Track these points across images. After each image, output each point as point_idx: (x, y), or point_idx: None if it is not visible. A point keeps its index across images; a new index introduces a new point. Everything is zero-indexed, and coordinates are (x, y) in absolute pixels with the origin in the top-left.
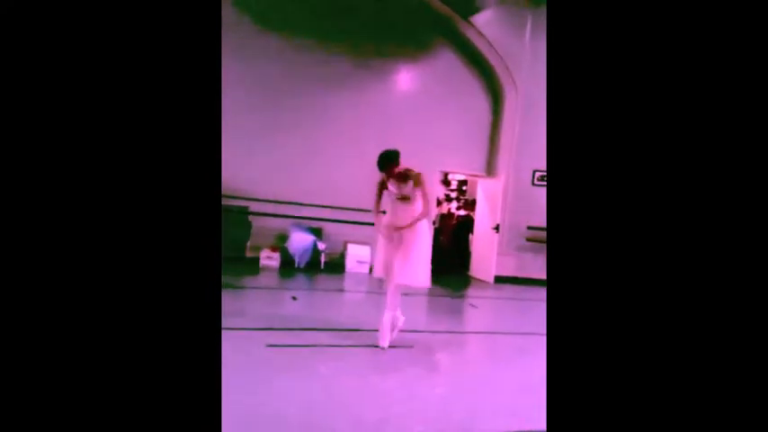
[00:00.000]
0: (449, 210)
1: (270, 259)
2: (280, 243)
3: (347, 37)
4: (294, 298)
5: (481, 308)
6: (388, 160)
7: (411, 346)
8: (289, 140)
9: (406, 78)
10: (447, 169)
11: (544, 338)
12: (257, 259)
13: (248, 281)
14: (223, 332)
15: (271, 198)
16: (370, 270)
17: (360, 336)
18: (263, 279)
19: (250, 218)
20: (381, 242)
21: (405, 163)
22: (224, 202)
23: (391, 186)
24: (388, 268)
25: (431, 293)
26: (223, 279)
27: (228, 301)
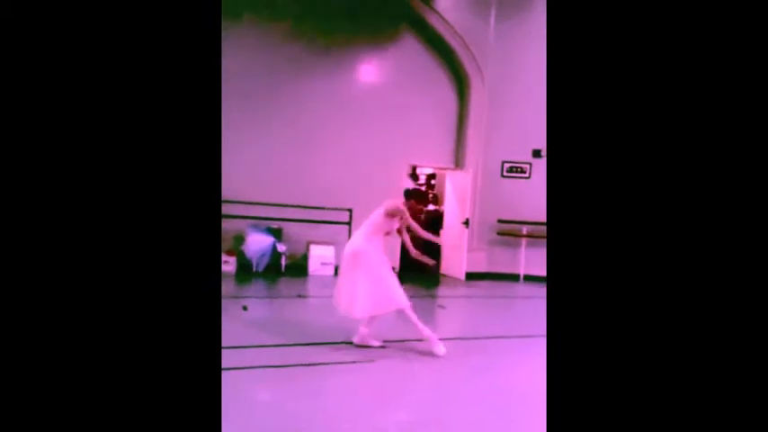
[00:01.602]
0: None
1: (226, 264)
2: (236, 246)
3: (303, 25)
4: (245, 308)
5: (450, 308)
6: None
7: (372, 360)
8: (243, 136)
9: (369, 68)
10: (415, 162)
11: (513, 341)
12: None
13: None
14: None
15: (225, 197)
16: (336, 272)
17: (308, 352)
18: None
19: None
20: (353, 275)
21: (373, 158)
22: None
23: (387, 223)
24: (382, 300)
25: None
26: None
27: None
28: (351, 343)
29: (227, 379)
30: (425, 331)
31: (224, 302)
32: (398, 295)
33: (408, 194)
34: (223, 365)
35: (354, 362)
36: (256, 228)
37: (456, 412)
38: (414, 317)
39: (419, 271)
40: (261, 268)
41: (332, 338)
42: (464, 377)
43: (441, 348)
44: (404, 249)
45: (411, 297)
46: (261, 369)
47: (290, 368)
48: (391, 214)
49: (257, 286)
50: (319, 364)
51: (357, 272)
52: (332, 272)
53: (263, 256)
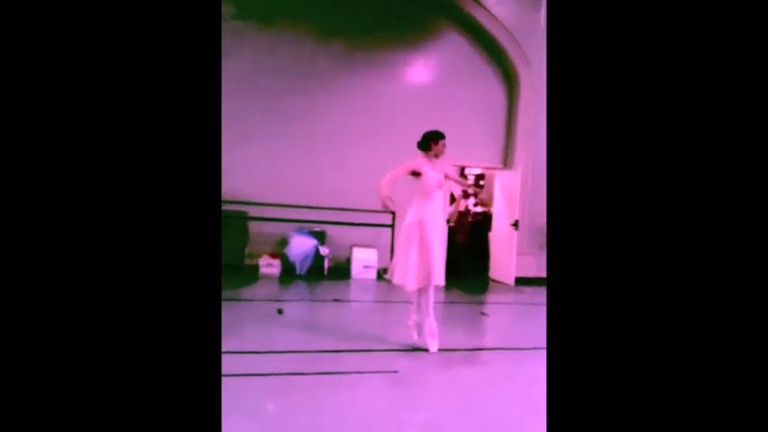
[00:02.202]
0: (465, 207)
1: (270, 267)
2: (280, 249)
3: (345, 28)
4: (280, 311)
5: (495, 316)
6: (434, 138)
7: (395, 371)
8: (288, 140)
9: (411, 68)
10: (462, 163)
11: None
12: (257, 267)
13: (241, 291)
14: None
15: (270, 201)
16: (379, 275)
17: (335, 360)
18: (259, 288)
19: (248, 223)
20: (412, 247)
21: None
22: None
23: (430, 172)
24: (426, 273)
25: (442, 300)
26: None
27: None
28: (375, 350)
29: (239, 384)
30: (432, 323)
31: (263, 305)
32: (441, 270)
33: (422, 144)
34: (241, 371)
35: (377, 371)
36: (299, 231)
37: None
38: (432, 300)
39: (467, 276)
40: (304, 271)
41: (353, 345)
42: (488, 387)
43: (434, 346)
44: (451, 252)
45: (455, 303)
46: (277, 377)
47: (307, 376)
48: (413, 172)
49: (298, 289)
50: (337, 373)
51: (414, 242)
52: (374, 275)
53: (305, 258)
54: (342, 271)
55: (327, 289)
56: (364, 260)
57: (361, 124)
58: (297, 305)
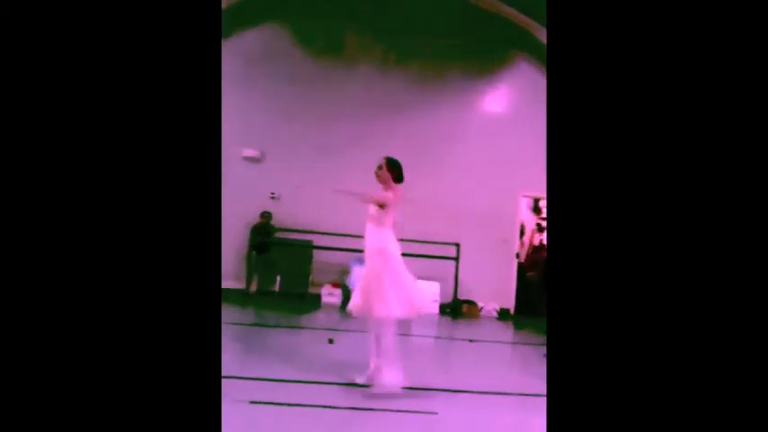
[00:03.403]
0: (540, 241)
1: (331, 296)
2: (341, 279)
3: (413, 57)
4: (331, 341)
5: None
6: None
7: (435, 413)
8: (353, 170)
9: (480, 97)
10: (535, 194)
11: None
12: (319, 296)
13: (302, 320)
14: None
15: (333, 231)
16: (442, 310)
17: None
18: (318, 317)
19: (312, 252)
20: (393, 274)
21: (483, 189)
22: (286, 235)
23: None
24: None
25: (507, 341)
26: (276, 316)
27: (259, 342)
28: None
29: (274, 414)
30: (390, 355)
31: (316, 333)
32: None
33: (392, 164)
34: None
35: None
36: (360, 261)
37: None
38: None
39: (539, 314)
40: None
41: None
42: None
43: (394, 381)
44: (521, 289)
45: (521, 344)
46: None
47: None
48: (379, 204)
49: (357, 320)
50: (371, 409)
51: (386, 271)
52: (437, 309)
53: None
54: None
55: None
56: (426, 293)
57: (425, 153)
58: (350, 336)
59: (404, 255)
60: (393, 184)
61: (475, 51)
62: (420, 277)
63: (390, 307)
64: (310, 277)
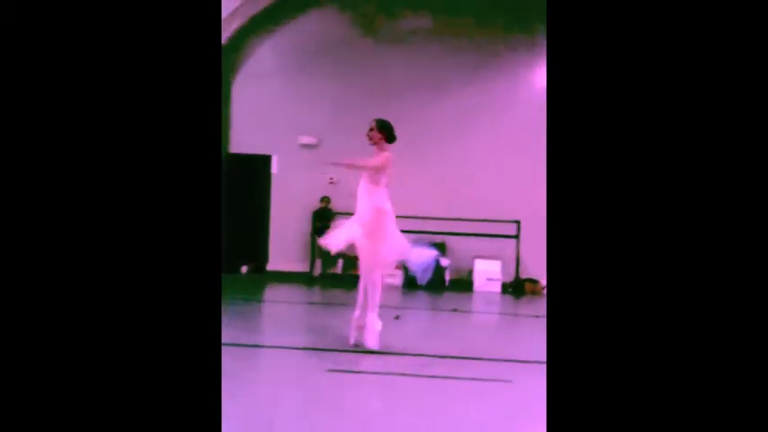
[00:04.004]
0: None
1: (391, 277)
2: (401, 260)
3: (462, 36)
4: (397, 317)
5: None
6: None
7: (510, 381)
8: (407, 150)
9: (531, 70)
10: None
11: None
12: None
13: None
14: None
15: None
16: (504, 289)
17: (447, 365)
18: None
19: None
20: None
21: (543, 166)
22: (344, 219)
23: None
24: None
25: None
26: (339, 295)
27: (324, 317)
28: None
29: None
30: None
31: (382, 310)
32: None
33: (382, 125)
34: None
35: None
36: (420, 242)
37: None
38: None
39: None
40: (424, 282)
41: (468, 353)
42: None
43: (373, 341)
44: None
45: None
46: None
47: (416, 379)
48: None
49: (418, 299)
50: (446, 377)
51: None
52: (499, 288)
53: (426, 270)
54: (464, 283)
55: (448, 300)
56: (487, 272)
57: (483, 132)
58: (415, 313)
59: (466, 234)
60: (385, 144)
61: (521, 27)
62: (480, 256)
63: (383, 263)
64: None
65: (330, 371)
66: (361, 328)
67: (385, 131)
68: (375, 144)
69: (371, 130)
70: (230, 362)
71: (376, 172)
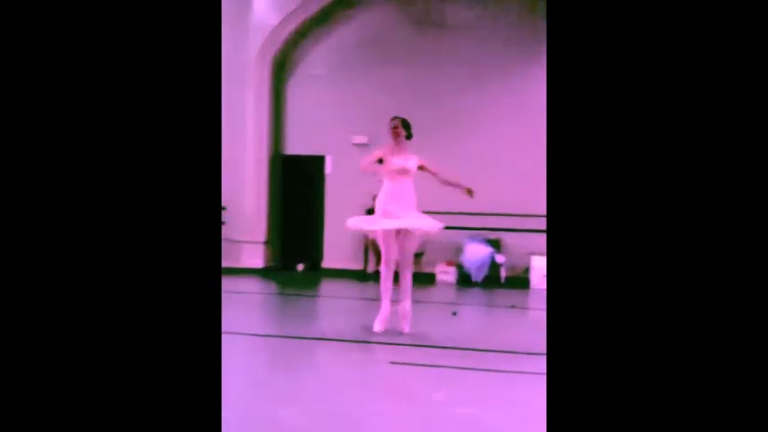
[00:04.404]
0: None
1: (445, 274)
2: (455, 257)
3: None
4: (454, 313)
5: None
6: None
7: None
8: (460, 144)
9: None
10: None
11: None
12: (434, 274)
13: (420, 295)
14: (352, 344)
15: (443, 209)
16: None
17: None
18: (435, 293)
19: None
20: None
21: None
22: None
23: (395, 159)
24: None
25: None
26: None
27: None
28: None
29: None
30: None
31: (436, 307)
32: None
33: (405, 123)
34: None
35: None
36: (475, 239)
37: None
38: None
39: None
40: (479, 279)
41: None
42: None
43: (377, 326)
44: None
45: None
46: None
47: (475, 372)
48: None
49: (474, 296)
50: (503, 371)
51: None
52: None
53: (481, 266)
54: (520, 281)
55: (504, 297)
56: (545, 269)
57: (542, 129)
58: (472, 309)
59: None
60: (405, 141)
61: None
62: (537, 253)
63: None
64: (423, 256)
65: (393, 363)
66: (405, 316)
67: (408, 129)
68: (398, 142)
69: (396, 127)
70: (290, 354)
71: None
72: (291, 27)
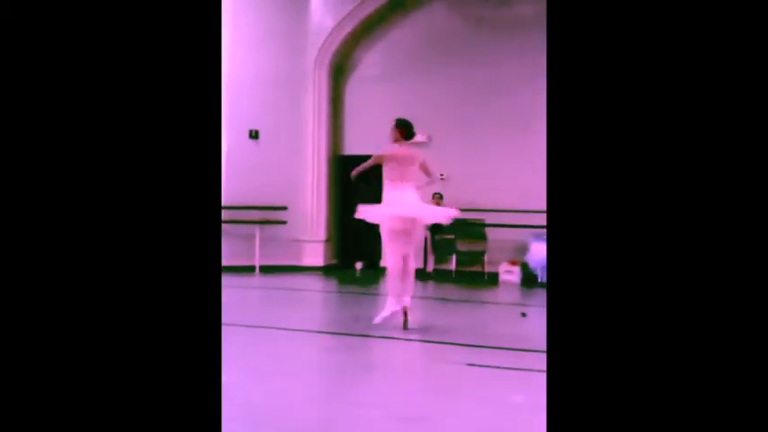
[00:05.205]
0: None
1: (509, 273)
2: (519, 256)
3: None
4: (523, 314)
5: None
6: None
7: None
8: (520, 141)
9: None
10: None
11: None
12: (496, 274)
13: (483, 295)
14: (427, 345)
15: (507, 207)
16: None
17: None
18: (500, 293)
19: (486, 230)
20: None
21: None
22: (459, 215)
23: (399, 164)
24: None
25: None
26: (459, 293)
27: (452, 314)
28: None
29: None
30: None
31: (503, 308)
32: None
33: (399, 123)
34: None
35: None
36: (540, 237)
37: None
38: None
39: None
40: (545, 278)
41: None
42: None
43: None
44: None
45: None
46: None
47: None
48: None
49: (540, 296)
50: None
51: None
52: None
53: (545, 266)
54: None
55: None
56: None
57: None
58: (541, 310)
59: None
60: (403, 140)
61: None
62: None
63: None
64: (485, 255)
65: (470, 365)
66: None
67: (402, 129)
68: (395, 141)
69: (393, 128)
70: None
71: (388, 165)
72: (347, 30)
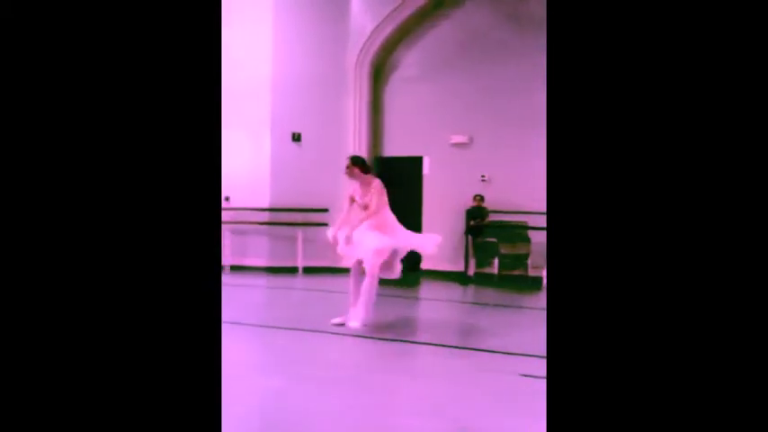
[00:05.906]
0: None
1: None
2: None
3: None
4: None
5: None
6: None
7: None
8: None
9: None
10: None
11: None
12: (540, 279)
13: (527, 300)
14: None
15: (534, 210)
16: None
17: None
18: (542, 298)
19: (529, 233)
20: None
21: None
22: (501, 217)
23: (358, 196)
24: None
25: None
26: (502, 297)
27: (496, 319)
28: None
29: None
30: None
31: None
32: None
33: (355, 160)
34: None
35: None
36: None
37: None
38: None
39: None
40: None
41: None
42: None
43: (354, 323)
44: None
45: None
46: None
47: None
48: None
49: None
50: None
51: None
52: None
53: None
54: None
55: None
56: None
57: None
58: None
59: None
60: (363, 175)
61: None
62: None
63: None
64: (529, 258)
65: (522, 375)
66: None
67: (359, 165)
68: (356, 178)
69: (348, 167)
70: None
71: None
72: (387, 32)
